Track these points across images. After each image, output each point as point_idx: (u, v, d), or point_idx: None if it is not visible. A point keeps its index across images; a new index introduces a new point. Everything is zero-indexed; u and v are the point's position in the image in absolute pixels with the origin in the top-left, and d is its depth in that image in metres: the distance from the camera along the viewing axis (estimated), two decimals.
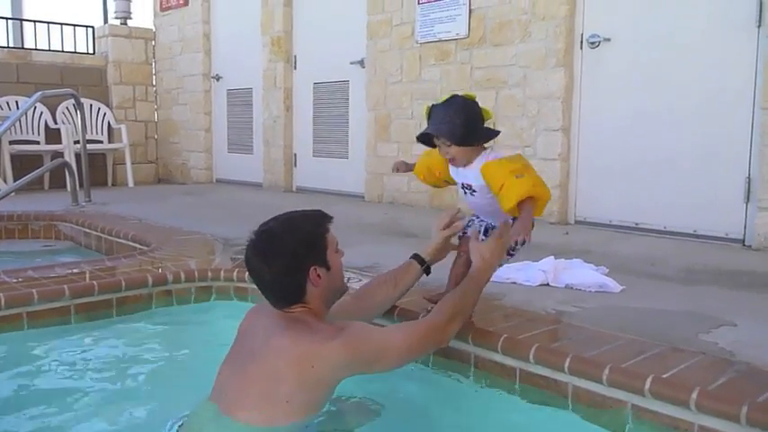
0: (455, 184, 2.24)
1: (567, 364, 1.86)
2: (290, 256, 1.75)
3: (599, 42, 4.39)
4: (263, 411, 1.65)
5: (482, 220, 2.25)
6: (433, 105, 2.10)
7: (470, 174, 2.10)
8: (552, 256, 2.98)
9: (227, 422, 1.66)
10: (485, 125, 2.09)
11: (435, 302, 2.18)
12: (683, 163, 4.06)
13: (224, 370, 1.79)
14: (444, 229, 2.23)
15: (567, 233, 4.17)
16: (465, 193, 2.18)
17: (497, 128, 4.75)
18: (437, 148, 2.12)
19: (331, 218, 1.88)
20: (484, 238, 2.15)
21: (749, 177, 3.80)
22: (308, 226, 1.83)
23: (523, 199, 1.97)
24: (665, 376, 1.71)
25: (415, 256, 2.26)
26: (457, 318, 1.93)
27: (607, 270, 2.95)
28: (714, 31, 3.93)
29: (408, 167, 2.38)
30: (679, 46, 4.07)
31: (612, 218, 4.40)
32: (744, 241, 3.83)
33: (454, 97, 2.10)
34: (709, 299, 2.62)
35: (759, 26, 3.72)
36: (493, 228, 2.18)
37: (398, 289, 2.23)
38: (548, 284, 2.74)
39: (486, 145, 2.12)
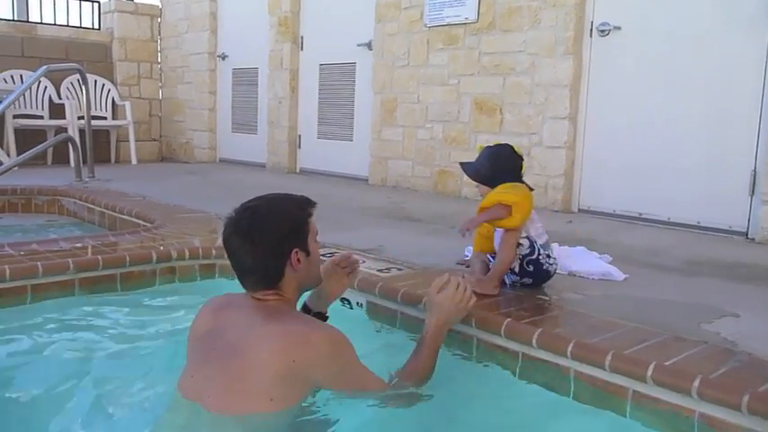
0: None
1: (569, 350, 1.87)
2: (274, 235, 1.71)
3: (609, 31, 4.37)
4: (250, 407, 1.57)
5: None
6: (486, 147, 2.50)
7: None
8: (556, 244, 2.97)
9: (214, 418, 1.58)
10: (512, 179, 2.38)
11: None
12: (688, 154, 4.06)
13: (198, 370, 1.68)
14: (335, 263, 2.11)
15: (570, 222, 4.17)
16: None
17: (504, 115, 4.79)
18: None
19: (315, 204, 1.83)
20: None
21: (755, 171, 3.80)
22: (294, 208, 1.79)
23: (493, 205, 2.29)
24: (667, 364, 1.72)
25: (305, 309, 2.07)
26: (419, 380, 1.86)
27: (611, 258, 2.95)
28: (724, 24, 3.91)
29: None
30: (689, 37, 4.05)
31: (616, 208, 4.40)
32: (747, 234, 3.83)
33: (499, 145, 2.49)
34: (711, 290, 2.63)
35: None
36: None
37: None
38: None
39: None
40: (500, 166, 2.41)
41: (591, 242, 3.41)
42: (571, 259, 2.83)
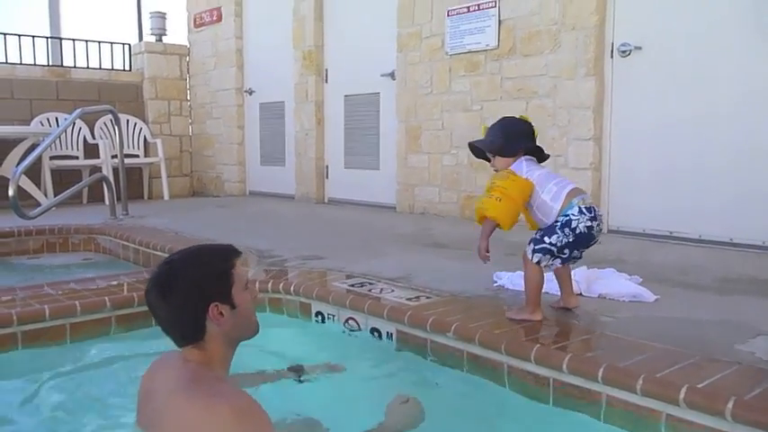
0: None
1: (600, 374, 1.86)
2: (188, 289, 1.63)
3: (630, 51, 4.38)
4: None
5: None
6: (490, 126, 2.49)
7: None
8: (585, 266, 2.97)
9: None
10: (528, 142, 2.40)
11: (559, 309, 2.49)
12: (717, 170, 4.02)
13: (138, 427, 1.67)
14: None
15: (600, 242, 4.14)
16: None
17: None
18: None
19: (239, 253, 1.76)
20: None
21: None
22: (214, 260, 1.71)
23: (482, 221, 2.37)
24: (699, 386, 1.71)
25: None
26: None
27: (641, 280, 2.93)
28: (745, 37, 3.89)
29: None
30: (710, 53, 4.03)
31: (646, 227, 4.36)
32: None
33: (505, 117, 2.52)
34: (745, 308, 2.59)
35: None
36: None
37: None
38: (581, 294, 2.73)
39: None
40: (511, 131, 2.40)
41: (621, 262, 3.39)
42: (601, 282, 2.82)
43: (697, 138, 4.11)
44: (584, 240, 2.30)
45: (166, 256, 1.74)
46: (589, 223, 2.27)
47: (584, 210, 2.27)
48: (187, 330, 1.66)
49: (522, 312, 2.36)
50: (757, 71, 3.85)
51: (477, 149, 2.49)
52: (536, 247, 2.30)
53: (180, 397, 1.55)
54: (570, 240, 2.27)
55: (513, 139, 2.38)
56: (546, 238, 2.29)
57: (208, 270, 1.67)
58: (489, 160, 2.47)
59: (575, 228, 2.26)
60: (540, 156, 2.46)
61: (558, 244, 2.28)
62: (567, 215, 2.27)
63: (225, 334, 1.67)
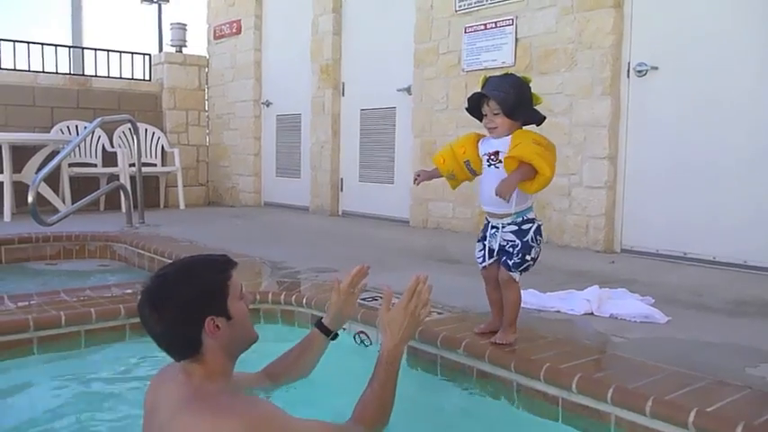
0: (473, 173, 2.30)
1: (609, 395, 1.87)
2: (181, 305, 1.59)
3: (646, 71, 4.38)
4: None
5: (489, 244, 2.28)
6: (489, 76, 2.24)
7: (502, 142, 2.19)
8: (597, 286, 2.97)
9: None
10: (534, 113, 2.22)
11: (485, 334, 2.33)
12: (732, 192, 4.01)
13: None
14: (348, 285, 2.21)
15: (613, 262, 4.14)
16: (489, 165, 2.23)
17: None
18: (485, 117, 2.21)
19: (235, 264, 1.74)
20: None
21: None
22: (208, 272, 1.67)
23: (525, 162, 2.11)
24: (709, 410, 1.70)
25: (319, 325, 2.21)
26: (380, 416, 1.82)
27: (653, 300, 2.93)
28: (761, 58, 3.89)
29: (429, 173, 2.41)
30: (727, 73, 4.03)
31: (660, 247, 4.35)
32: None
33: (511, 74, 2.25)
34: (757, 332, 2.58)
35: None
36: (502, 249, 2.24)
37: (303, 362, 2.15)
38: (592, 314, 2.74)
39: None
40: (524, 98, 2.18)
41: (633, 283, 3.38)
42: (612, 302, 2.83)
43: (712, 159, 4.10)
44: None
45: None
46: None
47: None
48: (183, 345, 1.63)
49: (507, 335, 2.28)
50: None
51: (474, 102, 2.22)
52: (522, 268, 2.23)
53: (185, 417, 1.52)
54: (540, 246, 2.26)
55: (524, 107, 2.18)
56: (527, 257, 2.20)
57: (203, 283, 1.64)
58: (481, 117, 2.23)
59: (542, 232, 2.25)
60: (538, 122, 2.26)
61: (537, 256, 2.24)
62: (533, 219, 2.23)
63: (222, 346, 1.65)
